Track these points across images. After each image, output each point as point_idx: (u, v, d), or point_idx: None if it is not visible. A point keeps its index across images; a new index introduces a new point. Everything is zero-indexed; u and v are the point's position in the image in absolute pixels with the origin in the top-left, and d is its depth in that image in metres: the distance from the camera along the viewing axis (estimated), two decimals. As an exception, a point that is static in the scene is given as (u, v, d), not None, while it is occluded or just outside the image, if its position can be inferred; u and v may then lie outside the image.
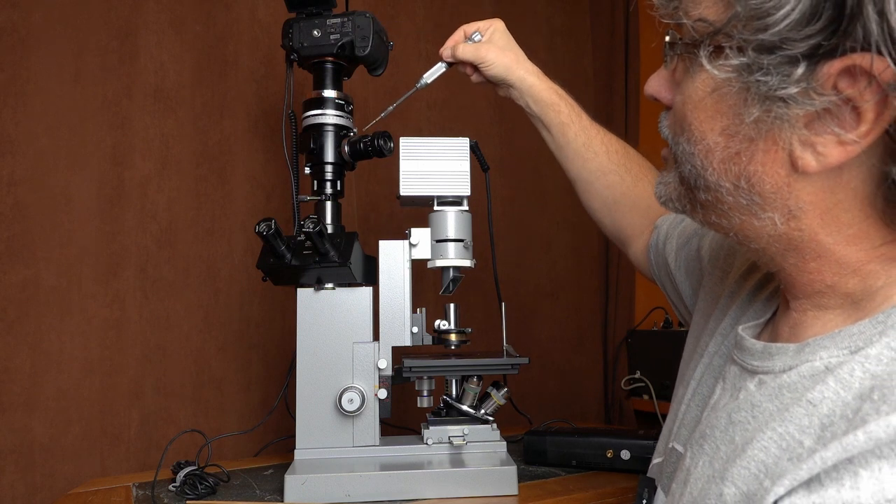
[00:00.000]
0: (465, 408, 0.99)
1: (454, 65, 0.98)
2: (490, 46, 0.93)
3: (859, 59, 0.36)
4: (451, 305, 1.02)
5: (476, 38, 0.95)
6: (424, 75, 0.99)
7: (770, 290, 0.56)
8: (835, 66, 0.37)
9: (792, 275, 0.47)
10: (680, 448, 0.57)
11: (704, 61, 0.43)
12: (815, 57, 0.38)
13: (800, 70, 0.38)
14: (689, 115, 0.46)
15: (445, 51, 0.97)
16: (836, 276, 0.45)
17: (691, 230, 0.76)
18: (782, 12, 0.37)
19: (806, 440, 0.39)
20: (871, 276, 0.44)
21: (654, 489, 0.61)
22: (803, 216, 0.43)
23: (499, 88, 0.95)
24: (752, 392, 0.47)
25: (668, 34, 0.47)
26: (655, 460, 0.63)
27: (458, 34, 0.97)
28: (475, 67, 0.94)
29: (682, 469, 0.51)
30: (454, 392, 1.01)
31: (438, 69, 0.99)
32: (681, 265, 0.76)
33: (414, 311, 1.01)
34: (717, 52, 0.42)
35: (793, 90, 0.39)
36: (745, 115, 0.42)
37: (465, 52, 0.94)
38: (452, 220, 0.99)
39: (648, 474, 0.64)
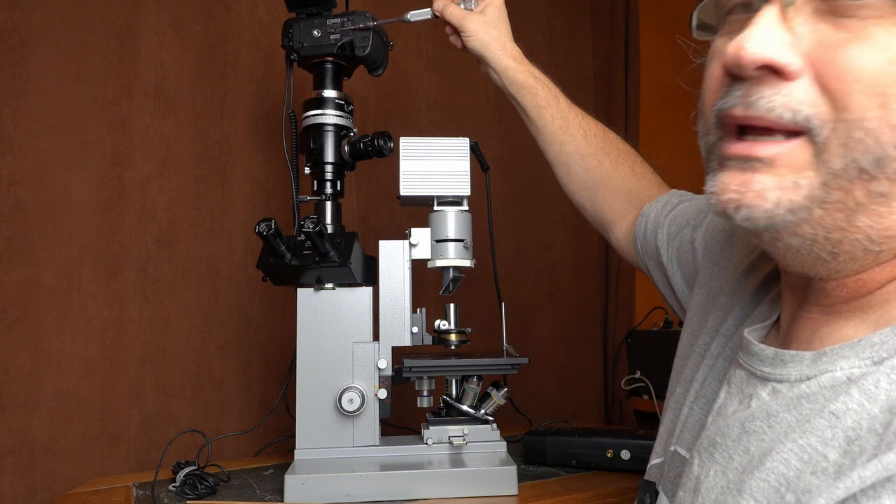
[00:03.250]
0: (465, 408, 0.99)
1: (440, 18, 0.98)
2: (476, 18, 0.92)
3: None
4: (451, 305, 1.02)
5: (471, 5, 0.94)
6: (410, 13, 1.00)
7: (776, 291, 0.54)
8: None
9: (861, 278, 0.42)
10: (684, 453, 0.56)
11: None
12: None
13: None
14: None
15: (437, 3, 0.96)
16: None
17: (683, 220, 0.74)
18: None
19: (830, 453, 0.38)
20: None
21: (656, 493, 0.59)
22: None
23: (479, 63, 0.95)
24: (766, 401, 0.45)
25: None
26: (654, 461, 0.62)
27: None
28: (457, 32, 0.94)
29: (690, 476, 0.50)
30: (454, 392, 1.01)
31: (424, 14, 0.99)
32: (672, 256, 0.74)
33: (414, 311, 1.01)
34: None
35: None
36: None
37: (453, 15, 0.93)
38: (452, 220, 0.99)
39: (647, 475, 0.63)
